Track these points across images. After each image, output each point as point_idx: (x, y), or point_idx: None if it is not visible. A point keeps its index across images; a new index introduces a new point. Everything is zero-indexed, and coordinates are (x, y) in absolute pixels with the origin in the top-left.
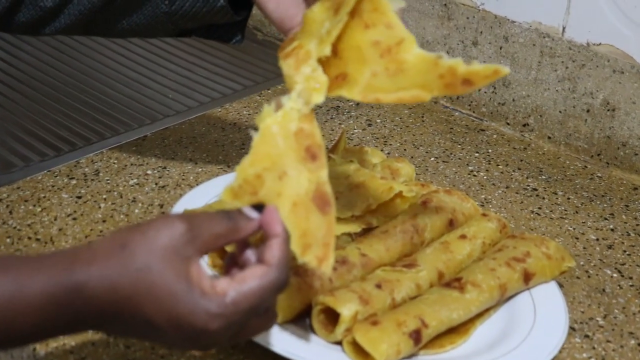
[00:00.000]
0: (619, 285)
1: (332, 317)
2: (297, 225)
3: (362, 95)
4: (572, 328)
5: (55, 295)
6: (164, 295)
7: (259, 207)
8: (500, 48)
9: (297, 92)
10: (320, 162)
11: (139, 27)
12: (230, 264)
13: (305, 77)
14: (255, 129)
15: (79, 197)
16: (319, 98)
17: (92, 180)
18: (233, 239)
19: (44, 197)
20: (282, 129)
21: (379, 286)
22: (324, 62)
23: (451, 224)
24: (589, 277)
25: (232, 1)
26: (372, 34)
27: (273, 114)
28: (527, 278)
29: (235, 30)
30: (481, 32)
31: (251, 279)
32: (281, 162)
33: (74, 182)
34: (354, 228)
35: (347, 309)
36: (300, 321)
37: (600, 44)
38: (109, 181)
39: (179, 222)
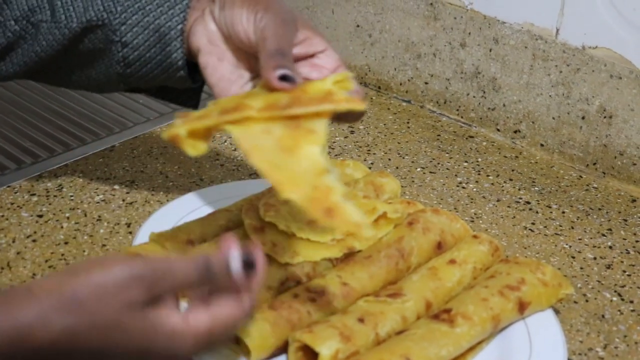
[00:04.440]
0: (619, 311)
1: (311, 354)
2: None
3: (260, 114)
4: None
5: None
6: (133, 349)
7: (249, 263)
8: (490, 50)
9: None
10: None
11: (89, 82)
12: None
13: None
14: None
15: (40, 216)
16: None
17: (55, 196)
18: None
19: (2, 216)
20: None
21: (361, 320)
22: None
23: (439, 247)
24: (587, 301)
25: (189, 65)
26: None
27: None
28: (522, 308)
29: (191, 94)
30: (469, 34)
31: (225, 308)
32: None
33: (35, 198)
34: (335, 253)
35: (326, 348)
36: None
37: (596, 47)
38: (72, 197)
39: (135, 288)
